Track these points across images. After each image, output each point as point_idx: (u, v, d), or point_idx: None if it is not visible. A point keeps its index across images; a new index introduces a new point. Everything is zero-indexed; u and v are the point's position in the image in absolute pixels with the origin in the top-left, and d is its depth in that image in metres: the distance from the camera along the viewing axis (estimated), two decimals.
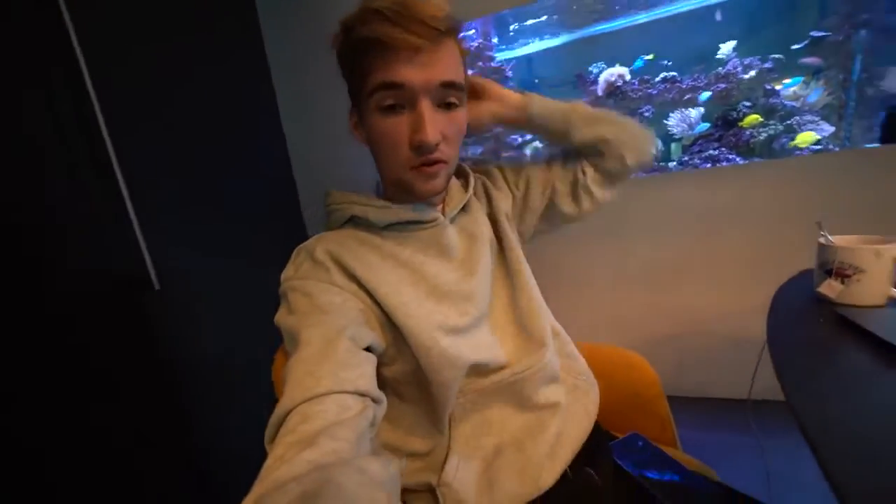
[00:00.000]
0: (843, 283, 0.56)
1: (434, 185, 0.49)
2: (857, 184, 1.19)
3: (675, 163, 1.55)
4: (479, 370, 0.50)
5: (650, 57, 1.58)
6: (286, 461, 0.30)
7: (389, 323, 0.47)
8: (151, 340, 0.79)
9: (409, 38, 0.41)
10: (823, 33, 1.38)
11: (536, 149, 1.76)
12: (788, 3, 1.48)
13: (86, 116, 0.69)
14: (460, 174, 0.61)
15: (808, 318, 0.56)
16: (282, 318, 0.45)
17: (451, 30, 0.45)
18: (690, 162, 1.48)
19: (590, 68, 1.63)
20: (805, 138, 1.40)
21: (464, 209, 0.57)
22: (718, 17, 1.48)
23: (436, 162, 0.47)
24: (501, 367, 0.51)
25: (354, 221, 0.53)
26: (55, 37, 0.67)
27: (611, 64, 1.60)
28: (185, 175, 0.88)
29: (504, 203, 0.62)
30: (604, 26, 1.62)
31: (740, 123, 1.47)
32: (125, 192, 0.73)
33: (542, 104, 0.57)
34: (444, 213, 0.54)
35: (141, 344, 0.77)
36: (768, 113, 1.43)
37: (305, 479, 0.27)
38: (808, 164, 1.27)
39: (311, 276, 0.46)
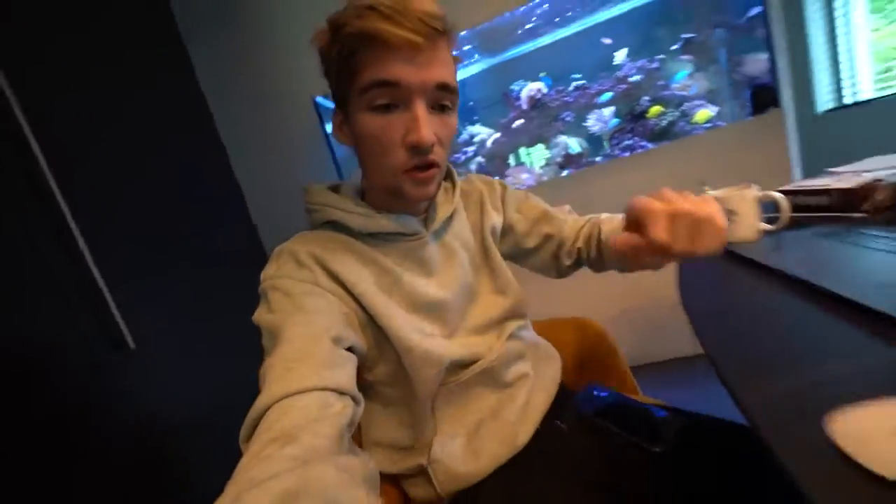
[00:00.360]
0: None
1: (426, 191, 0.48)
2: (742, 148, 1.44)
3: (600, 157, 1.76)
4: (457, 365, 0.53)
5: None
6: (264, 458, 0.29)
7: (372, 324, 0.48)
8: (130, 398, 0.78)
9: (407, 36, 0.39)
10: (691, 35, 1.67)
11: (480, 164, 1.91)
12: (663, 13, 1.77)
13: (40, 186, 0.72)
14: (446, 176, 0.61)
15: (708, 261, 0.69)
16: (261, 316, 0.44)
17: (447, 31, 0.44)
18: (612, 154, 1.69)
19: (512, 87, 1.83)
20: (702, 116, 1.66)
21: (448, 218, 0.57)
22: (608, 41, 1.74)
23: (429, 166, 0.46)
24: (477, 360, 0.54)
25: (334, 225, 0.51)
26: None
27: (531, 80, 1.81)
28: (147, 237, 0.91)
29: (495, 219, 0.62)
30: (519, 49, 1.84)
31: (646, 115, 1.71)
32: (88, 256, 0.75)
33: None
34: (426, 224, 0.54)
35: (120, 402, 0.77)
36: (666, 103, 1.68)
37: (286, 476, 0.26)
38: (703, 139, 1.50)
39: (294, 277, 0.45)
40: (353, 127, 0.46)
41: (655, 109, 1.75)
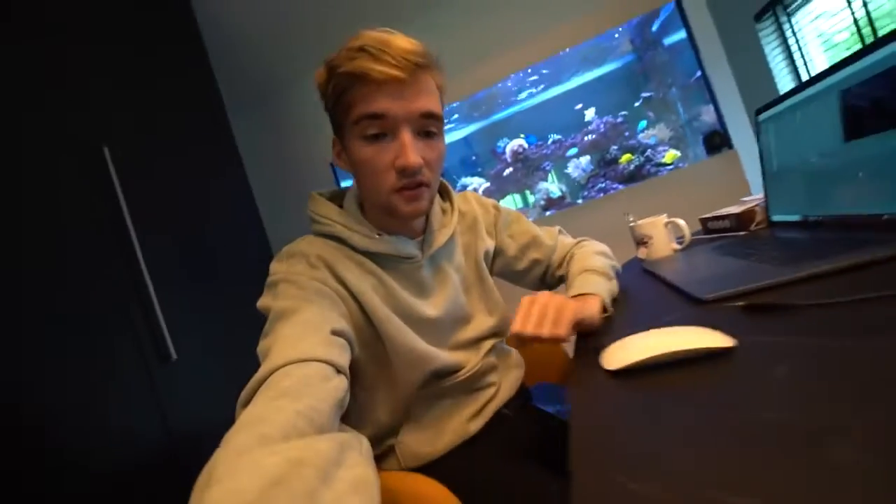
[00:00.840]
0: (646, 247, 0.86)
1: (417, 206, 0.51)
2: (703, 184, 1.61)
3: (580, 200, 1.96)
4: (439, 374, 0.57)
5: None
6: (275, 409, 0.30)
7: (369, 328, 0.52)
8: (170, 402, 0.96)
9: (389, 72, 0.44)
10: (650, 94, 1.93)
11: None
12: (625, 77, 2.06)
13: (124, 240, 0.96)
14: (444, 195, 0.65)
15: (632, 274, 0.84)
16: (267, 302, 0.46)
17: (428, 65, 0.48)
18: (588, 196, 1.89)
19: (498, 143, 2.12)
20: (669, 157, 1.88)
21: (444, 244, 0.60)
22: (579, 106, 2.04)
23: (418, 185, 0.49)
24: (458, 370, 0.58)
25: (337, 238, 0.54)
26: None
27: (513, 137, 2.09)
28: (192, 266, 1.13)
29: (488, 244, 0.66)
30: (504, 112, 2.16)
31: (620, 160, 1.93)
32: (149, 281, 0.97)
33: (607, 298, 0.56)
34: (423, 248, 0.57)
35: (163, 407, 0.94)
36: (633, 151, 1.91)
37: (295, 443, 0.26)
38: (667, 179, 1.69)
39: (305, 274, 0.48)
40: (350, 154, 0.51)
41: (627, 156, 1.98)
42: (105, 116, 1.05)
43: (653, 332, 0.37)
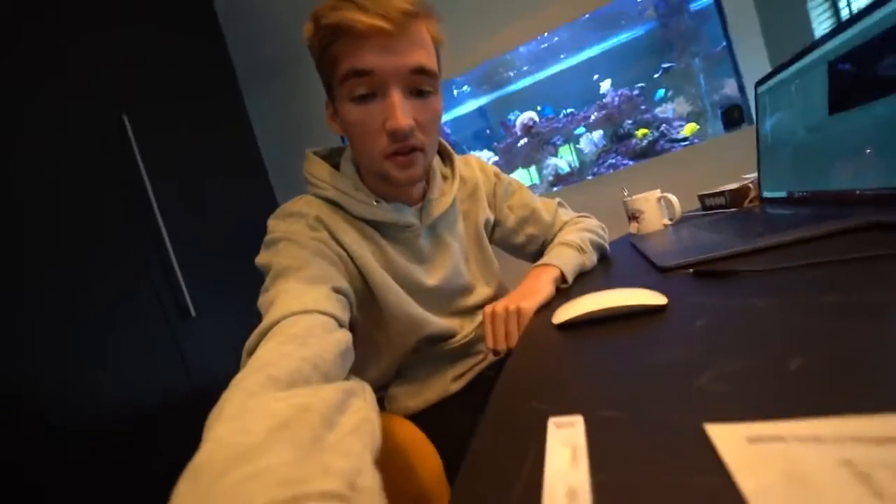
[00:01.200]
0: (637, 221, 0.87)
1: (411, 173, 0.48)
2: (717, 160, 1.56)
3: (590, 176, 1.93)
4: (433, 339, 0.58)
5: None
6: (284, 355, 0.30)
7: (366, 291, 0.52)
8: (189, 355, 1.06)
9: (375, 22, 0.40)
10: (670, 64, 1.84)
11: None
12: (645, 47, 1.96)
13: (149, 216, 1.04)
14: (446, 159, 0.62)
15: (621, 247, 0.85)
16: (267, 258, 0.45)
17: (421, 15, 0.44)
18: (598, 172, 1.85)
19: (509, 116, 2.08)
20: (689, 129, 1.80)
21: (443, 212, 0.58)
22: (596, 77, 1.96)
23: (411, 150, 0.46)
24: (452, 336, 0.59)
25: (334, 202, 0.52)
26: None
27: (523, 110, 2.05)
28: (210, 236, 1.22)
29: (487, 214, 0.65)
30: (515, 86, 2.10)
31: (636, 135, 1.87)
32: (170, 249, 1.06)
33: (570, 270, 0.56)
34: (422, 216, 0.56)
35: (183, 358, 1.05)
36: (649, 125, 1.84)
37: (302, 391, 0.26)
38: (679, 155, 1.64)
39: (306, 234, 0.47)
40: (341, 117, 0.48)
41: (643, 131, 1.91)
42: (126, 86, 1.11)
43: (599, 293, 0.40)
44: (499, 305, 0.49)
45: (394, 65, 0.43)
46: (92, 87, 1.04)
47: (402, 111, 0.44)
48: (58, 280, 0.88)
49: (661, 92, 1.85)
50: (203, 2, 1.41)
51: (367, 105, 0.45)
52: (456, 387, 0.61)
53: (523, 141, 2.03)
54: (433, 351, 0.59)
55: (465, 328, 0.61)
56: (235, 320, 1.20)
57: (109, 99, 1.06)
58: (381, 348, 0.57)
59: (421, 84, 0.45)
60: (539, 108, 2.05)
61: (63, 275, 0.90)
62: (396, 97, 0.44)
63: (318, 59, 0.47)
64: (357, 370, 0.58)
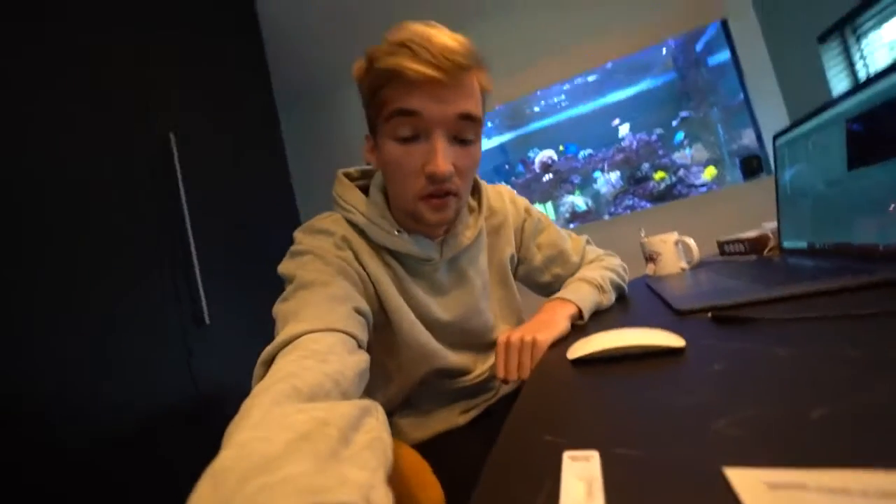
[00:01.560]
0: (654, 263, 0.86)
1: (442, 216, 0.49)
2: (734, 207, 1.55)
3: (607, 216, 1.94)
4: (443, 374, 0.57)
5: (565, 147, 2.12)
6: (306, 368, 0.31)
7: (382, 315, 0.52)
8: (202, 362, 1.07)
9: (428, 72, 0.41)
10: (688, 113, 1.89)
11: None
12: (666, 95, 2.03)
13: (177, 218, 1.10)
14: (474, 191, 0.62)
15: (637, 288, 0.85)
16: (291, 269, 0.46)
17: (471, 65, 0.44)
18: (615, 212, 1.87)
19: (529, 153, 2.14)
20: (710, 172, 1.82)
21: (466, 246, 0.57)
22: (616, 122, 2.03)
23: (446, 193, 0.47)
24: (464, 374, 0.58)
25: (357, 226, 0.52)
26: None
27: (543, 149, 2.12)
28: (231, 248, 1.26)
29: (513, 249, 0.65)
30: (536, 125, 2.19)
31: (654, 177, 1.90)
32: (195, 255, 1.10)
33: (587, 307, 0.56)
34: (443, 249, 0.55)
35: (195, 364, 1.06)
36: (666, 169, 1.87)
37: (321, 407, 0.26)
38: (697, 200, 1.65)
39: (332, 252, 0.48)
40: (381, 153, 0.48)
41: (660, 174, 1.94)
42: (175, 107, 1.20)
43: (616, 331, 0.40)
44: (514, 335, 0.49)
45: (441, 111, 0.44)
46: (151, 107, 1.13)
47: (443, 156, 0.45)
48: (80, 279, 0.92)
49: (680, 134, 1.89)
50: (251, 31, 1.55)
51: (409, 146, 0.46)
52: (462, 420, 0.60)
53: (548, 176, 2.07)
54: (443, 386, 0.58)
55: (478, 367, 0.60)
56: (248, 332, 1.21)
57: (162, 119, 1.15)
58: (390, 375, 0.57)
59: (464, 131, 0.47)
60: (562, 148, 2.11)
61: (87, 275, 0.93)
62: (440, 142, 0.45)
63: (367, 98, 0.48)
64: (365, 394, 0.60)
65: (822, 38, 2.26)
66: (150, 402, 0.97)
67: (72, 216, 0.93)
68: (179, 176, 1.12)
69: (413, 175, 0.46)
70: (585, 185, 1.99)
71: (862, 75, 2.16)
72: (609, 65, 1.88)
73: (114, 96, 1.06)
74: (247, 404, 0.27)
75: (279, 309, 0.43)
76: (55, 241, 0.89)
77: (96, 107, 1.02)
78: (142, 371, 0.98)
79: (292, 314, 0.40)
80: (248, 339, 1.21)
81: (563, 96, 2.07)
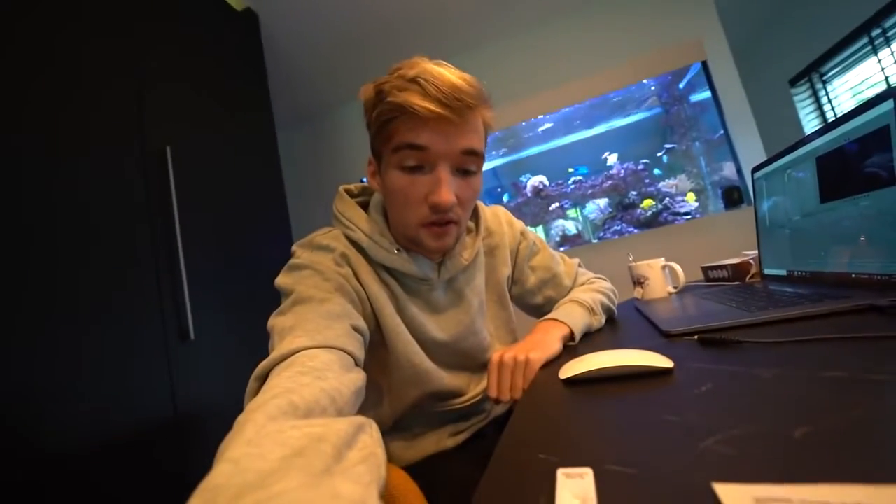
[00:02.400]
0: (642, 287, 0.89)
1: (443, 243, 0.50)
2: (717, 235, 1.61)
3: (595, 240, 1.99)
4: (436, 396, 0.57)
5: (570, 170, 2.19)
6: (303, 385, 0.30)
7: (378, 334, 0.52)
8: (186, 378, 1.03)
9: (437, 110, 0.43)
10: (672, 145, 1.98)
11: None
12: (652, 128, 2.12)
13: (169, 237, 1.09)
14: (472, 214, 0.62)
15: (626, 311, 0.86)
16: (288, 282, 0.46)
17: (478, 105, 0.47)
18: (604, 237, 1.91)
19: (521, 178, 2.20)
20: (690, 197, 1.89)
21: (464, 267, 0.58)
22: (606, 155, 2.11)
23: (448, 222, 0.49)
24: (457, 396, 0.58)
25: (356, 243, 0.53)
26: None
27: (534, 174, 2.17)
28: (221, 264, 1.24)
29: (508, 270, 0.65)
30: (528, 151, 2.26)
31: (642, 205, 1.96)
32: (183, 270, 1.08)
33: (578, 328, 0.56)
34: (440, 270, 0.56)
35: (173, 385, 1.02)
36: (653, 197, 1.94)
37: (316, 425, 0.26)
38: (682, 228, 1.70)
39: (331, 268, 0.48)
40: (385, 179, 0.50)
41: (648, 202, 2.01)
42: (173, 121, 1.22)
43: (607, 352, 0.41)
44: (507, 354, 0.49)
45: (447, 146, 0.46)
46: (146, 119, 1.14)
47: (447, 188, 0.46)
48: (66, 289, 0.90)
49: (659, 171, 1.97)
50: (253, 49, 1.59)
51: (414, 176, 0.47)
52: (452, 442, 0.59)
53: (555, 204, 2.11)
54: (433, 409, 0.58)
55: (471, 389, 0.60)
56: (233, 348, 1.18)
57: (159, 131, 1.16)
58: (382, 394, 0.56)
59: (467, 164, 0.48)
60: (571, 170, 2.15)
61: (73, 285, 0.91)
62: (444, 174, 0.46)
63: (374, 128, 0.49)
64: (358, 412, 0.59)
65: (793, 82, 2.43)
66: (130, 417, 0.93)
67: (60, 228, 0.92)
68: (173, 189, 1.12)
69: (416, 203, 0.48)
70: (576, 208, 2.04)
71: (830, 116, 2.32)
72: (598, 99, 1.98)
73: (108, 107, 1.07)
74: (241, 419, 0.27)
75: (275, 322, 0.42)
76: (41, 253, 0.87)
77: (89, 118, 1.03)
78: (123, 385, 0.94)
79: (289, 329, 0.39)
80: (234, 355, 1.18)
81: (551, 124, 2.15)
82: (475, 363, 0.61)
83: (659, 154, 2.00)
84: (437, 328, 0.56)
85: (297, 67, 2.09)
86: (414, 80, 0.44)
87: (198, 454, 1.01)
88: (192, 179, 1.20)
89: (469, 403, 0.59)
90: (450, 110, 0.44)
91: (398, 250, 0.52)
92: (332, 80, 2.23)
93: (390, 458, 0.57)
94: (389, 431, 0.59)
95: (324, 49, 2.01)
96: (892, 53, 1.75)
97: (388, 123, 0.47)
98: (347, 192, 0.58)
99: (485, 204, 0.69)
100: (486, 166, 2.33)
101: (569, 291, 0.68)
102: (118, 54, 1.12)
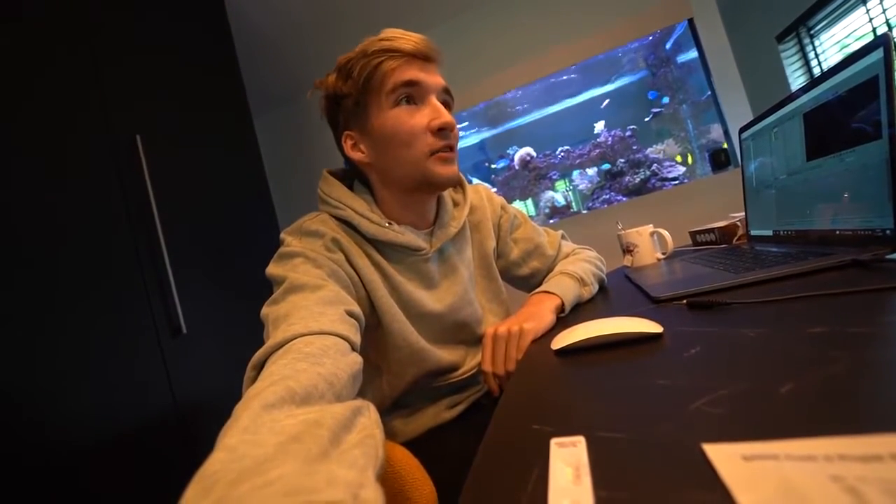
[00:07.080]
0: (631, 254, 0.89)
1: (452, 170, 0.53)
2: (705, 199, 1.62)
3: (584, 210, 1.99)
4: (433, 373, 0.58)
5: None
6: (300, 371, 0.30)
7: (373, 316, 0.53)
8: (179, 372, 1.03)
9: (419, 47, 0.51)
10: (660, 109, 1.95)
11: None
12: (637, 94, 2.09)
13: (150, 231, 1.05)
14: (457, 184, 0.64)
15: (616, 278, 0.87)
16: (280, 271, 0.46)
17: (439, 57, 0.54)
18: (593, 206, 1.91)
19: (508, 150, 2.17)
20: (678, 158, 1.89)
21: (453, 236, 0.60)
22: (596, 124, 2.07)
23: (451, 148, 0.53)
24: (453, 370, 0.59)
25: (346, 222, 0.53)
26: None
27: (521, 146, 2.14)
28: (207, 256, 1.22)
29: (493, 242, 0.67)
30: (514, 123, 2.21)
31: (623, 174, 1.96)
32: (168, 264, 1.06)
33: (569, 299, 0.57)
34: (431, 240, 0.57)
35: (172, 375, 1.02)
36: (641, 164, 1.93)
37: (314, 410, 0.26)
38: (670, 193, 1.71)
39: (323, 254, 0.48)
40: (378, 131, 0.52)
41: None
42: (142, 108, 1.15)
43: (597, 321, 0.41)
44: (501, 327, 0.50)
45: (433, 80, 0.53)
46: (111, 107, 1.07)
47: (446, 111, 0.52)
48: (52, 291, 0.87)
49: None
50: (221, 31, 1.50)
51: (412, 107, 0.52)
52: (450, 414, 0.61)
53: (547, 176, 2.09)
54: (431, 384, 0.59)
55: (467, 362, 0.61)
56: (227, 341, 1.17)
57: (126, 120, 1.10)
58: (381, 375, 0.57)
59: (447, 101, 0.55)
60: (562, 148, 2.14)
61: (59, 283, 0.89)
62: (438, 103, 0.53)
63: (361, 84, 0.52)
64: (357, 395, 0.59)
65: (780, 38, 2.39)
66: (128, 412, 0.93)
67: (39, 226, 0.88)
68: (148, 180, 1.07)
69: (421, 133, 0.51)
70: (564, 179, 2.03)
71: (817, 72, 2.30)
72: (581, 65, 1.92)
73: (73, 95, 1.00)
74: (238, 408, 0.26)
75: (269, 311, 0.42)
76: (24, 253, 0.84)
77: (55, 108, 0.97)
78: (119, 381, 0.93)
79: (283, 317, 0.39)
80: (228, 348, 1.17)
81: (539, 94, 2.10)
82: (471, 337, 0.62)
83: (647, 119, 1.97)
84: (434, 300, 0.57)
85: (270, 50, 1.98)
86: (386, 37, 0.51)
87: (199, 445, 1.03)
88: (166, 169, 1.15)
89: (465, 377, 0.60)
90: (426, 48, 0.52)
91: (389, 223, 0.53)
92: (312, 60, 2.12)
93: (391, 435, 0.58)
94: (390, 410, 0.60)
95: (297, 30, 1.89)
96: (881, 1, 1.72)
97: (377, 67, 0.51)
98: (332, 174, 0.58)
99: (473, 179, 0.68)
100: (474, 140, 2.30)
101: (553, 261, 0.69)
102: (70, 31, 1.04)
